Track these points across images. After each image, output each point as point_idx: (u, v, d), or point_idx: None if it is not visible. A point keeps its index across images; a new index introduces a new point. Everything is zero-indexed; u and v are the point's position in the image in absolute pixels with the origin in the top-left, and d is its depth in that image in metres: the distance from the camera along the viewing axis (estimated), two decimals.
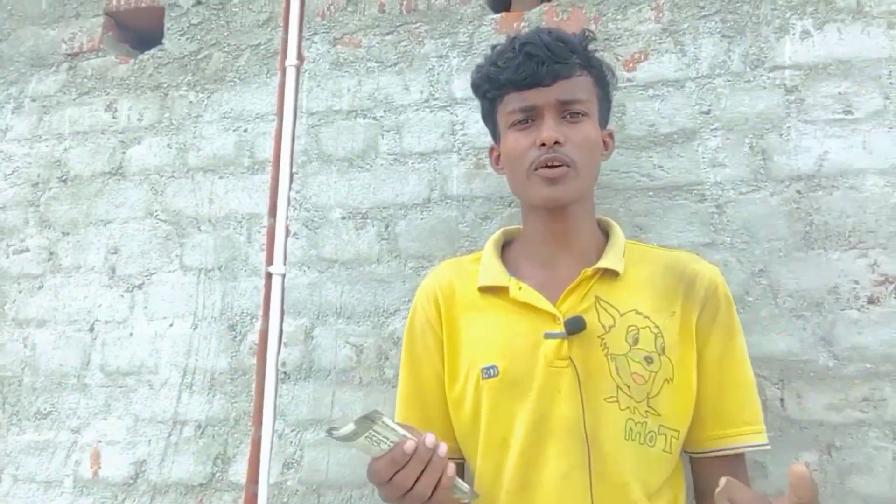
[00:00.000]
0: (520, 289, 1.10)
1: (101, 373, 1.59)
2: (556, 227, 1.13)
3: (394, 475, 0.87)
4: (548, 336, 1.05)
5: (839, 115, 1.30)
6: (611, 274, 1.09)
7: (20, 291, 1.69)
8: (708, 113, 1.36)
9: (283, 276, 1.52)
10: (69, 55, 1.79)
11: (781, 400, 1.23)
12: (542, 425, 1.03)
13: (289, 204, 1.56)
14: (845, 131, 1.29)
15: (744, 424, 1.07)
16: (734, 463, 1.07)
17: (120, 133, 1.71)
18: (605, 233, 1.19)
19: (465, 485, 0.95)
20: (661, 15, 1.41)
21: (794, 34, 1.34)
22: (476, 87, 1.20)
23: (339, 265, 1.50)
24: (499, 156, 1.19)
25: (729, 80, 1.36)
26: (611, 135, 1.22)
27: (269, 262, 1.54)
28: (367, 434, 0.85)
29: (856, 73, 1.30)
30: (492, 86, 1.15)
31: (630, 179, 1.37)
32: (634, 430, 1.02)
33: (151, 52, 1.73)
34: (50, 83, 1.79)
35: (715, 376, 1.07)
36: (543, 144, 1.07)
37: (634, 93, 1.40)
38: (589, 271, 1.09)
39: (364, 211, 1.51)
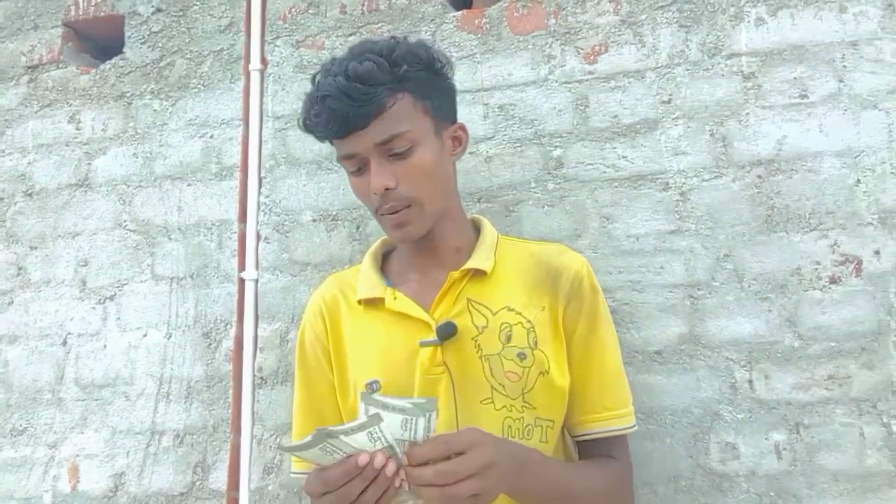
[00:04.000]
0: (395, 298, 1.10)
1: (76, 386, 1.58)
2: (422, 241, 1.12)
3: (342, 486, 0.87)
4: (422, 344, 1.06)
5: (795, 100, 1.32)
6: (480, 273, 1.10)
7: None
8: (669, 102, 1.38)
9: (256, 281, 1.52)
10: (29, 67, 1.77)
11: (750, 381, 1.26)
12: None
13: (259, 209, 1.55)
14: (802, 115, 1.31)
15: (604, 410, 1.09)
16: (603, 445, 1.10)
17: (84, 144, 1.70)
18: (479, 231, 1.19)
19: (412, 494, 0.95)
20: (619, 7, 1.42)
21: (749, 21, 1.36)
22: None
23: (311, 267, 1.50)
24: None
25: (688, 69, 1.38)
26: (462, 128, 1.15)
27: (242, 267, 1.54)
28: (321, 445, 0.86)
29: (810, 58, 1.32)
30: (315, 137, 1.11)
31: (595, 171, 1.39)
32: (513, 426, 1.04)
33: (113, 61, 1.72)
34: (11, 97, 1.77)
35: (581, 365, 1.09)
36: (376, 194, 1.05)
37: (596, 85, 1.42)
38: (456, 274, 1.09)
39: (334, 213, 1.51)
